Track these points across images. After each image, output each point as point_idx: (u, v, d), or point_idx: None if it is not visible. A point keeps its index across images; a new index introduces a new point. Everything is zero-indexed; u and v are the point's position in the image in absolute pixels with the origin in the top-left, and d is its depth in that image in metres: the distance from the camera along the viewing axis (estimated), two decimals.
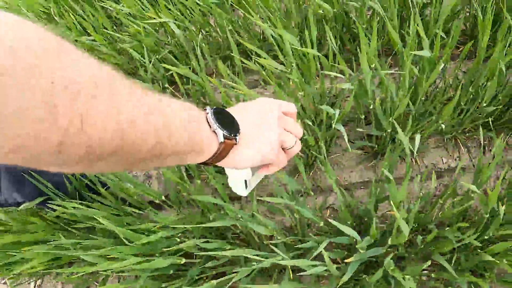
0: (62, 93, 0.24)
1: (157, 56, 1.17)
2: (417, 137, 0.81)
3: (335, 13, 1.14)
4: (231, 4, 1.22)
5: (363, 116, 0.96)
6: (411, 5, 0.87)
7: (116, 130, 0.27)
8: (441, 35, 1.02)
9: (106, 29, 1.26)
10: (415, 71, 0.85)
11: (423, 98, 0.92)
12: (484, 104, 0.92)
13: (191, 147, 0.37)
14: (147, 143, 0.31)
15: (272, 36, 0.96)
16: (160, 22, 1.12)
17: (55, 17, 1.39)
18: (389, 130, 0.96)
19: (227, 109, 0.44)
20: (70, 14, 1.30)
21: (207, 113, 0.40)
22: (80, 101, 0.25)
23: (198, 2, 1.16)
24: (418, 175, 1.10)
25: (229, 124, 0.41)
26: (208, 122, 0.40)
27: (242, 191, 0.54)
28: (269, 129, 0.46)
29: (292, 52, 0.95)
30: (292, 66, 0.94)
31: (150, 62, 1.14)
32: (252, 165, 0.45)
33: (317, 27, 1.25)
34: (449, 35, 0.95)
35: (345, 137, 0.83)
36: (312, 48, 0.94)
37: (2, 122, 0.21)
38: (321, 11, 1.10)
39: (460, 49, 1.32)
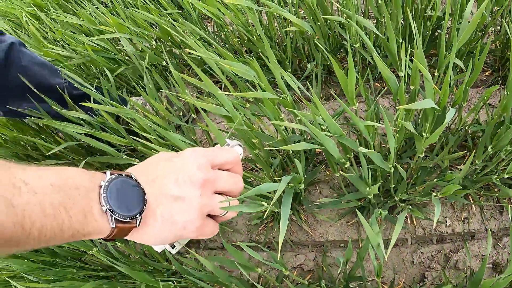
0: None
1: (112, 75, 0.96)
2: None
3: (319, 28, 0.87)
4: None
5: (338, 174, 0.71)
6: (413, 27, 0.59)
7: None
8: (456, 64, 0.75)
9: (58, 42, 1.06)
10: (410, 128, 0.59)
11: (421, 155, 0.67)
12: (506, 176, 0.64)
13: (72, 232, 0.31)
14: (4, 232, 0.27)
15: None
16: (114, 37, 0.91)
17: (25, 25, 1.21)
18: (370, 196, 0.71)
19: (135, 172, 0.36)
20: (34, 24, 1.12)
21: (100, 187, 0.33)
22: None
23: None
24: (412, 238, 0.85)
25: (128, 202, 0.33)
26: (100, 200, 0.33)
27: (169, 249, 0.44)
28: (188, 202, 0.36)
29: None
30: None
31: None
32: (173, 239, 0.37)
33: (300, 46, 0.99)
34: (469, 62, 0.66)
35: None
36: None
37: None
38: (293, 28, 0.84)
39: (486, 73, 1.02)
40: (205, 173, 0.37)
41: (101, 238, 0.34)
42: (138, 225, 0.34)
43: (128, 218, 0.33)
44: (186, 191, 0.36)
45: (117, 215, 0.32)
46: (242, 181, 0.42)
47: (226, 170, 0.41)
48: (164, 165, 0.37)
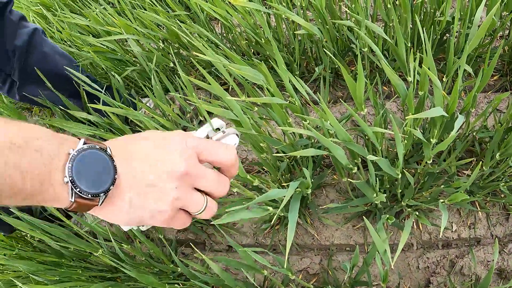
0: None
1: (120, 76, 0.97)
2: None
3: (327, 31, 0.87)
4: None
5: (345, 179, 0.71)
6: (421, 33, 0.59)
7: None
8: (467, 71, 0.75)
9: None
10: (419, 136, 0.59)
11: (429, 162, 0.67)
12: None
13: (26, 195, 0.29)
14: None
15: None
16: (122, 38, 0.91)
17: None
18: (377, 202, 0.71)
19: (113, 147, 0.33)
20: (41, 23, 1.13)
21: (68, 154, 0.30)
22: None
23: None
24: (417, 243, 0.85)
25: (95, 178, 0.30)
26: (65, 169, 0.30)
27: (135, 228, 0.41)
28: (161, 192, 0.33)
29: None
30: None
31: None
32: (138, 223, 0.34)
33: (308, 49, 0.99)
34: (477, 66, 0.66)
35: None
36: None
37: None
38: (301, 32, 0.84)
39: (495, 78, 1.02)
40: (188, 166, 0.33)
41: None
42: (100, 205, 0.31)
43: (90, 196, 0.30)
44: (162, 180, 0.33)
45: (78, 189, 0.30)
46: (229, 184, 0.38)
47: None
48: (147, 146, 0.34)
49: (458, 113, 0.61)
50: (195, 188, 0.35)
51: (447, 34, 0.95)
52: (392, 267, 0.82)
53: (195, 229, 0.94)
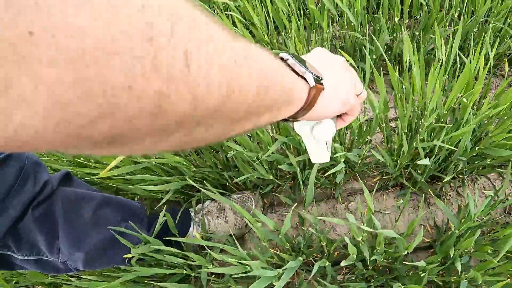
0: (160, 18, 0.17)
1: None
2: None
3: None
4: None
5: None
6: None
7: (221, 75, 0.21)
8: None
9: None
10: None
11: None
12: None
13: (285, 97, 0.31)
14: (247, 97, 0.24)
15: None
16: None
17: None
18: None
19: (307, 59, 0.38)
20: None
21: (287, 59, 0.34)
22: (181, 31, 0.18)
23: None
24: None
25: (312, 69, 0.35)
26: (291, 68, 0.33)
27: (325, 155, 0.47)
28: (344, 70, 0.41)
29: None
30: None
31: None
32: (338, 110, 0.40)
33: None
34: None
35: None
36: None
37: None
38: None
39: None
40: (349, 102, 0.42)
41: (290, 117, 0.35)
42: (324, 88, 0.35)
43: (320, 78, 0.34)
44: (349, 86, 0.41)
45: (312, 75, 0.33)
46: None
47: None
48: (318, 54, 0.42)
49: None
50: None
51: None
52: None
53: None
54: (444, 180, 0.89)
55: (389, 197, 1.05)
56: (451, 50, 0.89)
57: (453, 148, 0.76)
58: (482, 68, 0.83)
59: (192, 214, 1.00)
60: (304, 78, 0.34)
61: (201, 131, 0.23)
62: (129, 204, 0.90)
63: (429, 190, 0.99)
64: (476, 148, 0.78)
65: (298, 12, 1.08)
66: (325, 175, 0.96)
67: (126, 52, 0.15)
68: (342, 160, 0.81)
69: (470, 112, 0.76)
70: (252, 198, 1.05)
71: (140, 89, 0.16)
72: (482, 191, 1.03)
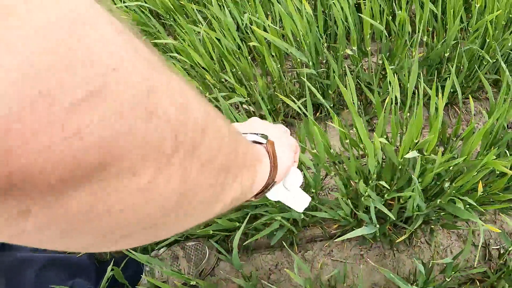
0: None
1: None
2: None
3: None
4: None
5: None
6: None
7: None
8: None
9: None
10: None
11: None
12: None
13: (255, 156, 0.32)
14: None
15: None
16: None
17: None
18: None
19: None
20: None
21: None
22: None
23: None
24: None
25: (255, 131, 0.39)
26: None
27: (305, 198, 0.50)
28: (289, 148, 0.44)
29: None
30: None
31: None
32: (291, 154, 0.44)
33: None
34: None
35: None
36: None
37: None
38: None
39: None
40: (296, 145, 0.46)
41: (262, 190, 0.36)
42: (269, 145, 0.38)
43: (266, 136, 0.37)
44: (289, 146, 0.44)
45: (259, 135, 0.37)
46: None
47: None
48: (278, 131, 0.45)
49: None
50: None
51: None
52: None
53: None
54: (408, 230, 0.80)
55: (351, 245, 0.95)
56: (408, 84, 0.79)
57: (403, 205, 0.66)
58: (440, 106, 0.73)
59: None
60: (256, 142, 0.36)
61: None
62: (76, 260, 0.88)
63: (395, 237, 0.89)
64: (431, 204, 0.68)
65: (243, 48, 0.98)
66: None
67: None
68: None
69: (422, 166, 0.66)
70: (206, 247, 1.00)
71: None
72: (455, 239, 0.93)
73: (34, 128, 0.12)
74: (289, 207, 0.52)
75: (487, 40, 1.01)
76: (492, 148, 0.78)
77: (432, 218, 0.84)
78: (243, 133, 0.37)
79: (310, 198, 0.50)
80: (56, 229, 0.15)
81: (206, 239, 1.02)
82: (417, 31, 0.98)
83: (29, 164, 0.12)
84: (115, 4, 1.34)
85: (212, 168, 0.21)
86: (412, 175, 0.62)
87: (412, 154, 0.59)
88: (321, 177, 0.97)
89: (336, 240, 0.95)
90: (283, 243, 0.94)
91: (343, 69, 1.03)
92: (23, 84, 0.11)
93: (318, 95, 0.76)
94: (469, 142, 0.67)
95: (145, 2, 1.39)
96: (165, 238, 0.23)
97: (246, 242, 0.90)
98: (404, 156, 0.62)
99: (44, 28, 0.12)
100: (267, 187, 0.36)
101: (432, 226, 0.90)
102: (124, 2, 1.29)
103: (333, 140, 1.10)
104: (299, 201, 0.49)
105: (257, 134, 0.37)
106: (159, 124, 0.16)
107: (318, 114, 1.17)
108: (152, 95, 0.15)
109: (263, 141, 0.37)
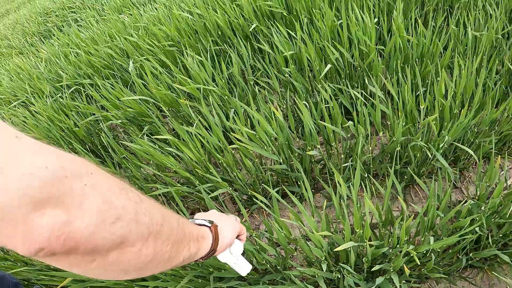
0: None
1: None
2: None
3: None
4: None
5: None
6: None
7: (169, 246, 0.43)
8: None
9: None
10: None
11: None
12: None
13: (201, 234, 0.54)
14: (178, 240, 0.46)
15: None
16: None
17: None
18: None
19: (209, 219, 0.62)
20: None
21: (195, 220, 0.59)
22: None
23: None
24: None
25: (205, 219, 0.60)
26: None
27: (247, 264, 0.70)
28: (233, 229, 0.66)
29: None
30: None
31: None
32: (234, 232, 0.66)
33: None
34: None
35: None
36: None
37: None
38: None
39: None
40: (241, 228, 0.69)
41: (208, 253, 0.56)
42: (217, 225, 0.60)
43: (212, 221, 0.59)
44: (234, 228, 0.66)
45: (207, 221, 0.58)
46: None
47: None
48: (226, 219, 0.66)
49: None
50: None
51: None
52: None
53: None
54: None
55: None
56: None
57: None
58: (367, 201, 0.92)
59: None
60: (205, 225, 0.58)
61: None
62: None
63: None
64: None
65: (227, 147, 1.22)
66: None
67: None
68: None
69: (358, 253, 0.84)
70: None
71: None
72: None
73: (90, 230, 0.32)
74: (236, 271, 0.73)
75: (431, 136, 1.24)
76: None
77: None
78: (196, 219, 0.59)
79: (251, 266, 0.71)
80: (102, 267, 0.36)
81: None
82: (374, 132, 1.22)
83: (81, 244, 0.31)
84: (123, 96, 1.62)
85: (169, 242, 0.43)
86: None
87: (348, 244, 0.77)
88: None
89: None
90: None
91: (310, 165, 1.25)
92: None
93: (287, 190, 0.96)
94: (403, 228, 0.85)
95: (151, 97, 1.68)
96: (148, 275, 0.49)
97: None
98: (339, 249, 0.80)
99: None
100: (210, 253, 0.56)
101: None
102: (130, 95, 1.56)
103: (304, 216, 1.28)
104: (243, 266, 0.70)
105: (205, 220, 0.59)
106: (141, 225, 0.37)
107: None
108: (137, 215, 0.37)
109: (209, 224, 0.58)
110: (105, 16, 4.02)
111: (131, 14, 3.23)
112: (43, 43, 4.62)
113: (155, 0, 3.57)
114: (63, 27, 4.94)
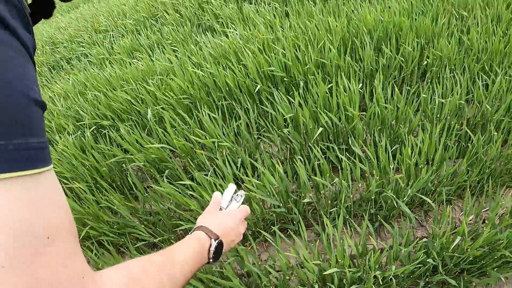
0: None
1: None
2: None
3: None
4: None
5: None
6: None
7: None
8: None
9: None
10: None
11: None
12: None
13: (197, 258, 0.69)
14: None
15: None
16: None
17: None
18: None
19: (207, 220, 0.80)
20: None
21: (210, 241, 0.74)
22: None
23: None
24: None
25: (210, 230, 0.76)
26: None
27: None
28: (235, 233, 0.83)
29: None
30: None
31: None
32: (237, 235, 0.83)
33: None
34: None
35: None
36: None
37: None
38: None
39: None
40: (242, 227, 0.87)
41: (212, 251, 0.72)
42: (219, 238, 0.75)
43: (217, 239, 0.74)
44: (234, 231, 0.83)
45: (213, 240, 0.73)
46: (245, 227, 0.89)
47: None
48: (226, 220, 0.82)
49: None
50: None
51: None
52: None
53: None
54: None
55: None
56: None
57: None
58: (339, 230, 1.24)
59: None
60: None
61: None
62: None
63: None
64: None
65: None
66: None
67: None
68: None
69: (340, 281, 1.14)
70: None
71: None
72: None
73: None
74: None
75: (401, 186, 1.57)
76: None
77: None
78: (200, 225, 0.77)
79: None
80: None
81: None
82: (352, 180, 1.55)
83: None
84: (142, 140, 1.93)
85: (176, 273, 0.59)
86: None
87: (333, 270, 1.08)
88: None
89: None
90: None
91: (303, 208, 1.57)
92: None
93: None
94: (372, 259, 1.16)
95: (168, 144, 2.00)
96: None
97: None
98: (326, 273, 1.11)
99: None
100: (210, 260, 0.73)
101: None
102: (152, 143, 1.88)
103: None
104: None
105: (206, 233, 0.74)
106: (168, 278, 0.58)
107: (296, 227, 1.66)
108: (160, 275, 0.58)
109: (212, 235, 0.75)
110: (115, 55, 4.34)
111: (142, 58, 3.58)
112: (52, 73, 4.83)
113: (164, 47, 3.94)
114: (71, 59, 5.08)
